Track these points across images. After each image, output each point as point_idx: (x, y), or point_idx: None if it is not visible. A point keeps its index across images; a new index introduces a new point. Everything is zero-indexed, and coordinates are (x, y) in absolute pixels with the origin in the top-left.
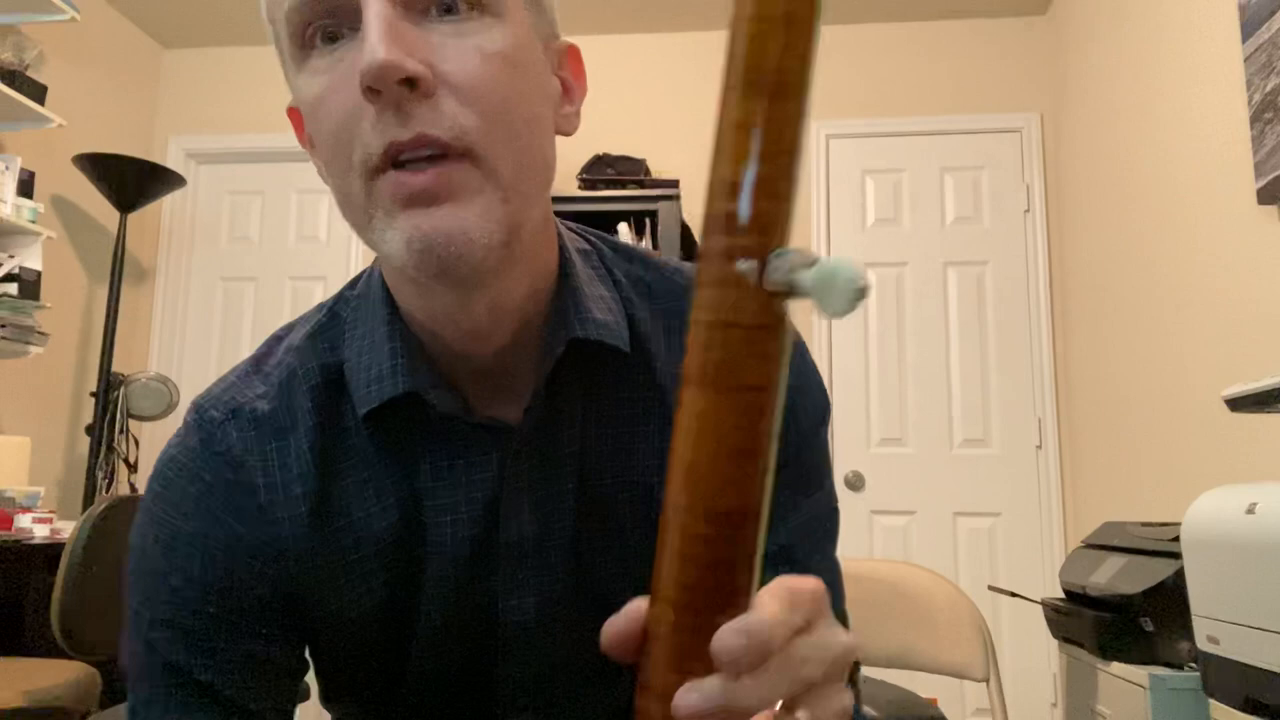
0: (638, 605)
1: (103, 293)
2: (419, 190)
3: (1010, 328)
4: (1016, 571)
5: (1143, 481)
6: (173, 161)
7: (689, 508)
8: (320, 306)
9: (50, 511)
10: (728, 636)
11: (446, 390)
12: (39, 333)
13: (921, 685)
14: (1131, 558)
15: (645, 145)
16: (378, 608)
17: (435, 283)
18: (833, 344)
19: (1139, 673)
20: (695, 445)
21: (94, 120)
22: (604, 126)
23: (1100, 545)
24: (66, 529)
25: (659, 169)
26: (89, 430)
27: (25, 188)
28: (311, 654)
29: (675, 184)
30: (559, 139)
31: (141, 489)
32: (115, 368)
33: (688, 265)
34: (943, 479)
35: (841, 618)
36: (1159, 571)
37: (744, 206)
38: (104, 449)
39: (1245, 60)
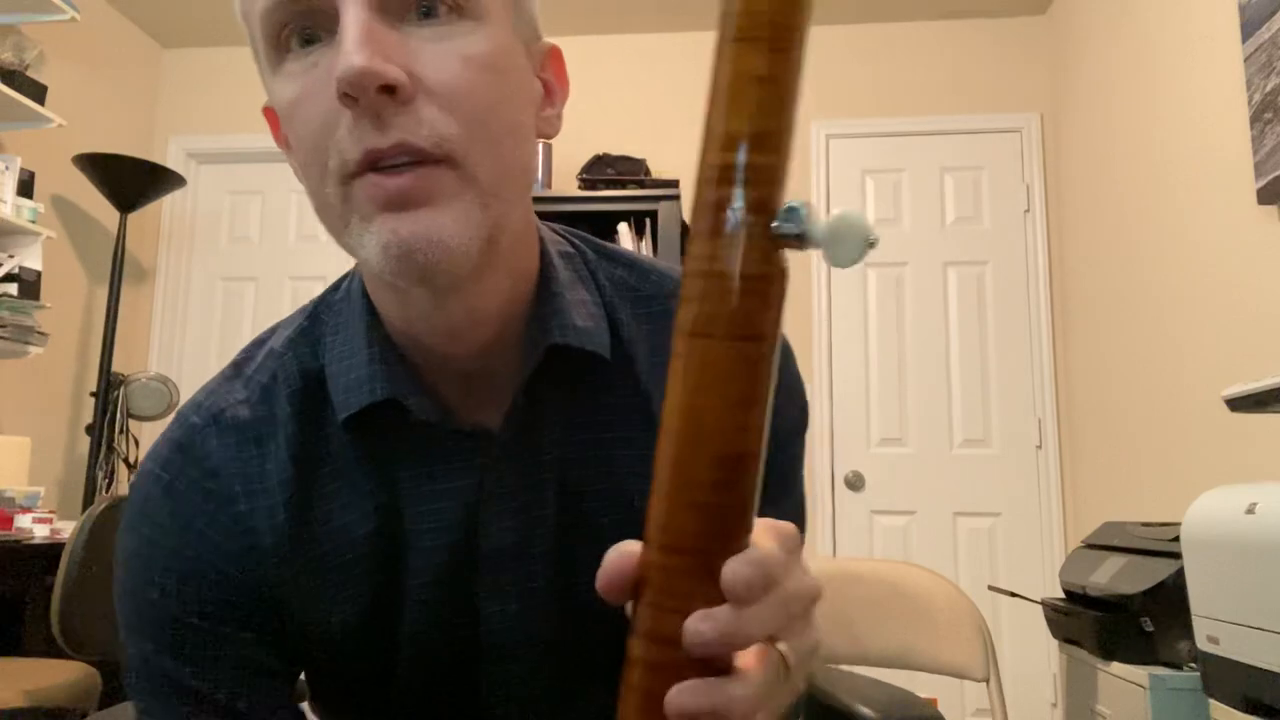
0: (630, 546)
1: (103, 293)
2: (396, 193)
3: (1010, 328)
4: (1016, 571)
5: (1143, 481)
6: (173, 161)
7: (692, 454)
8: (302, 310)
9: (50, 511)
10: (740, 566)
11: (426, 397)
12: (39, 333)
13: (921, 685)
14: (1131, 558)
15: (645, 145)
16: (360, 614)
17: (412, 287)
18: (833, 344)
19: (1139, 673)
20: (697, 392)
21: (94, 120)
22: (604, 126)
23: (1100, 545)
24: (66, 529)
25: (659, 169)
26: (89, 430)
27: (25, 188)
28: (297, 660)
29: (675, 184)
30: (558, 139)
31: None
32: (115, 368)
33: (673, 268)
34: (943, 479)
35: None
36: (1159, 571)
37: (748, 158)
38: (104, 449)
39: (1245, 60)
